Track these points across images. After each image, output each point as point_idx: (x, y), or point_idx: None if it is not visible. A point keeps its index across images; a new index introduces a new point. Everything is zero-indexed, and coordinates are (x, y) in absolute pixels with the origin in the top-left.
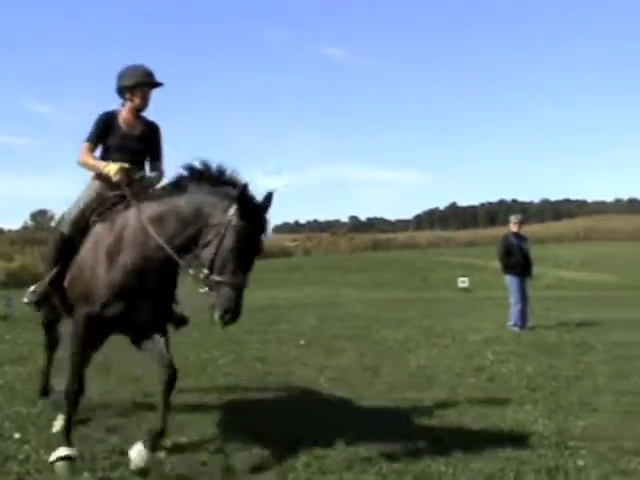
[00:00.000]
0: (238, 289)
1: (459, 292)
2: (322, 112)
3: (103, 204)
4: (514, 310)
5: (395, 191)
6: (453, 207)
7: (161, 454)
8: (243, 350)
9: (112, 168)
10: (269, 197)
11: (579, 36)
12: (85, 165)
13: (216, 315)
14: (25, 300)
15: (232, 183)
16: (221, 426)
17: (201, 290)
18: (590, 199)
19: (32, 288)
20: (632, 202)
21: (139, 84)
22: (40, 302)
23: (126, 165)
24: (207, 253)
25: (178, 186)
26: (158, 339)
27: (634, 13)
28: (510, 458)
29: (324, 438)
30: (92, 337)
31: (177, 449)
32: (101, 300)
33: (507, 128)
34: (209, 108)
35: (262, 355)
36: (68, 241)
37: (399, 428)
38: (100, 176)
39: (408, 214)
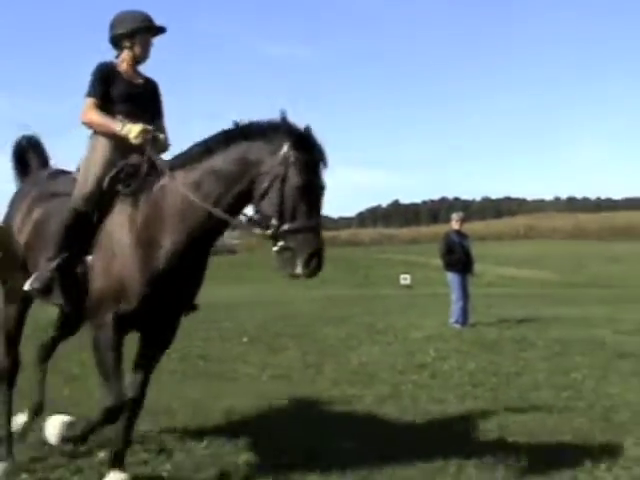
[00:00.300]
0: (316, 232)
1: (401, 289)
2: (264, 109)
3: (127, 171)
4: (456, 307)
5: (338, 189)
6: (396, 205)
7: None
8: (186, 347)
9: (133, 129)
10: (308, 128)
11: (524, 22)
12: (92, 124)
13: (299, 266)
14: (26, 287)
15: (270, 127)
16: (162, 424)
17: (274, 248)
18: (530, 197)
19: (35, 275)
20: (571, 201)
21: (139, 30)
22: (47, 289)
23: (149, 127)
24: (269, 202)
25: (206, 149)
26: (145, 368)
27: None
28: (452, 453)
29: (265, 435)
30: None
31: None
32: (137, 295)
33: (448, 127)
34: None
35: (205, 353)
36: (83, 218)
37: (340, 425)
38: (106, 134)
39: (351, 212)
